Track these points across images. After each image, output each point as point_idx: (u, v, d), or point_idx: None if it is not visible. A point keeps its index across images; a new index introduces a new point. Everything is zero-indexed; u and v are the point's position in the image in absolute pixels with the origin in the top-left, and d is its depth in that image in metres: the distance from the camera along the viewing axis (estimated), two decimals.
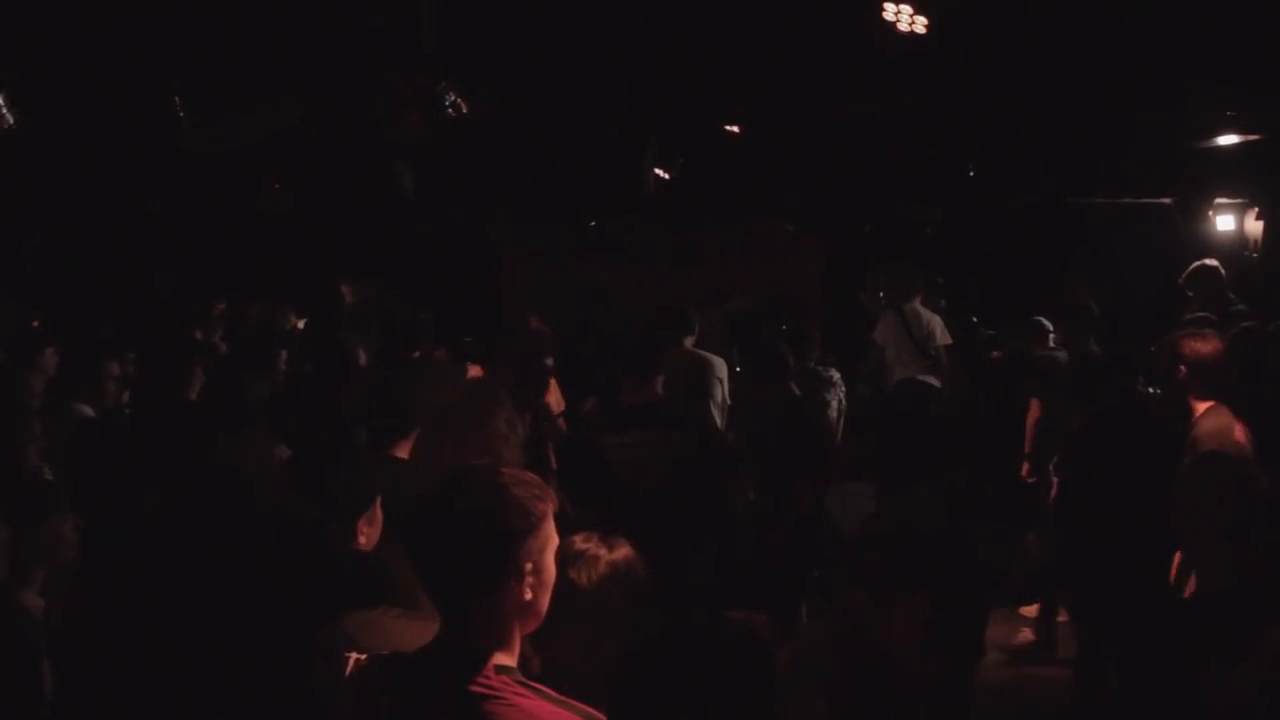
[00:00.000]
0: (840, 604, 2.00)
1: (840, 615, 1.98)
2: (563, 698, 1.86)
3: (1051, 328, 7.11)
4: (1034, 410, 6.39)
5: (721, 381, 6.01)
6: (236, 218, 10.60)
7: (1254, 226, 9.35)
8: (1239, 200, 9.42)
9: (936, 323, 7.99)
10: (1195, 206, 9.53)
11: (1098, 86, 8.40)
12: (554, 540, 1.94)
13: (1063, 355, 6.59)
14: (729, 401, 6.04)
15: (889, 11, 7.98)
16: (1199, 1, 7.41)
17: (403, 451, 3.36)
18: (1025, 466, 6.32)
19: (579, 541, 2.27)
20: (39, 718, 2.39)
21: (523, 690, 1.83)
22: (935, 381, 7.71)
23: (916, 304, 8.06)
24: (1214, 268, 6.79)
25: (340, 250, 10.30)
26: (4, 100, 7.58)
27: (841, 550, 2.06)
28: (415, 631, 2.03)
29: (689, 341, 6.18)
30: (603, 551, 2.27)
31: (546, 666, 2.09)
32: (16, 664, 2.42)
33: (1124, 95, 8.40)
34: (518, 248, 11.36)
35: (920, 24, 8.00)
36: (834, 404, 6.61)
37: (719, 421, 5.96)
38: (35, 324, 7.36)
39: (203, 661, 2.43)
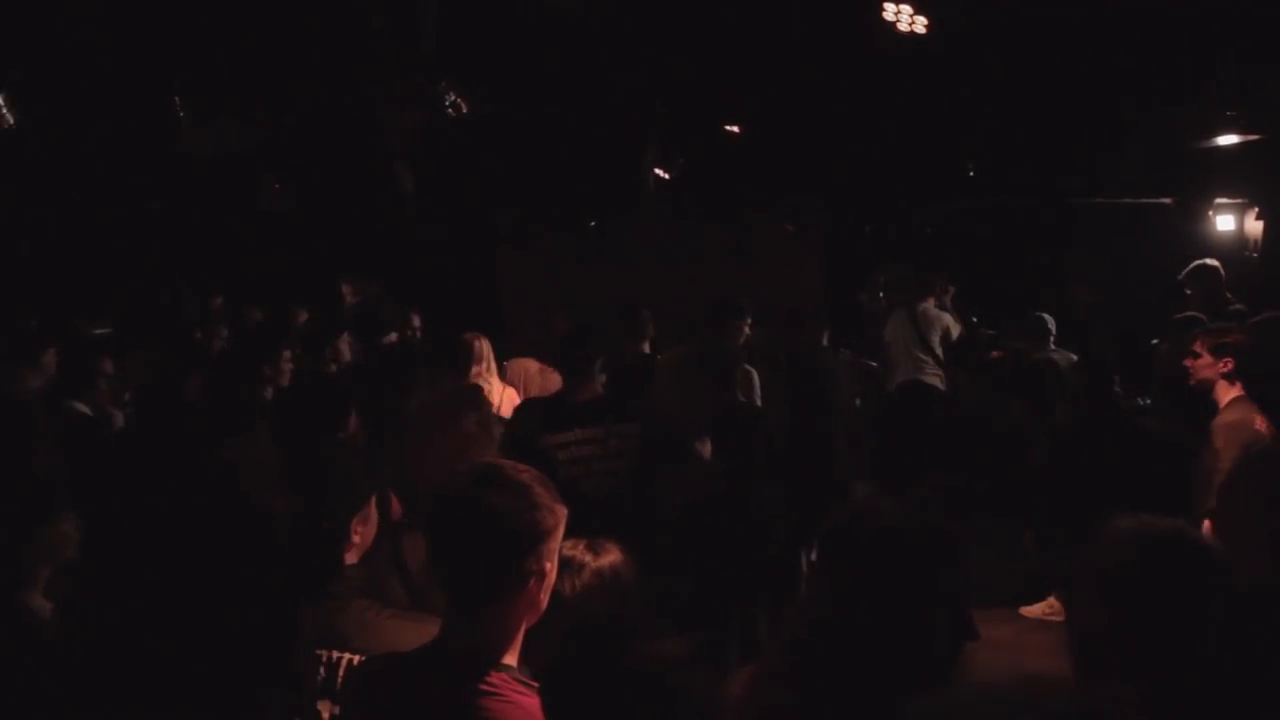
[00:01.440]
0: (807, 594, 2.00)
1: (805, 606, 1.97)
2: None
3: (1054, 327, 7.11)
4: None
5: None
6: (236, 218, 10.59)
7: (1254, 226, 9.35)
8: (1239, 200, 9.42)
9: (948, 322, 8.02)
10: (1195, 206, 9.53)
11: (1098, 86, 8.40)
12: (558, 550, 1.96)
13: (1061, 356, 6.59)
14: None
15: (889, 11, 7.99)
16: (1199, 2, 7.42)
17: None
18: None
19: (565, 548, 2.21)
20: (42, 716, 2.40)
21: (521, 688, 1.85)
22: (939, 383, 7.71)
23: (929, 305, 8.07)
24: (1214, 267, 6.79)
25: (340, 250, 10.30)
26: (4, 100, 7.58)
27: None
28: (412, 632, 2.03)
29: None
30: (588, 559, 2.24)
31: (529, 673, 2.10)
32: (20, 665, 2.42)
33: (1124, 95, 8.41)
34: (518, 248, 11.35)
35: (920, 24, 8.01)
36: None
37: None
38: (33, 323, 7.34)
39: (190, 659, 2.44)
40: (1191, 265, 6.90)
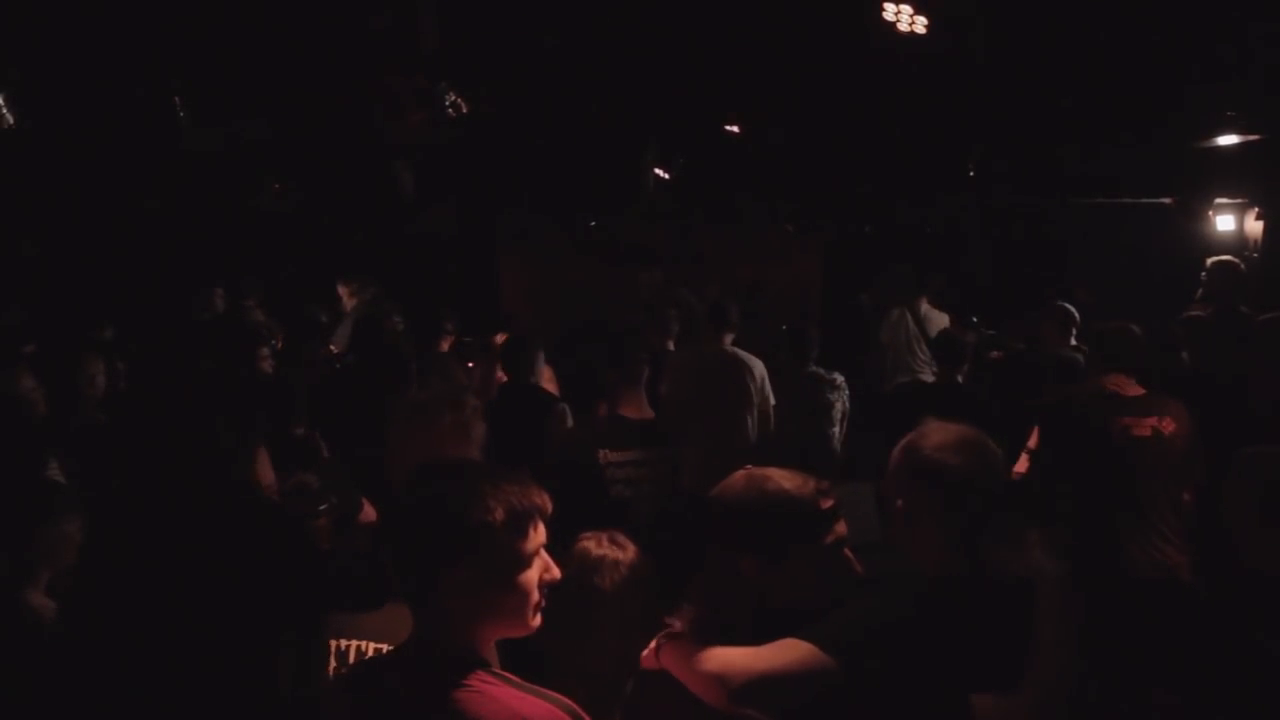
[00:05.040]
0: (721, 577, 2.19)
1: (725, 585, 2.18)
2: (532, 685, 1.85)
3: (1079, 320, 6.96)
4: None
5: (760, 382, 5.95)
6: (236, 218, 10.59)
7: (1254, 226, 9.34)
8: (1239, 200, 9.41)
9: (944, 321, 8.02)
10: (1195, 206, 9.52)
11: (1097, 87, 8.40)
12: (529, 541, 1.87)
13: (1075, 355, 6.49)
14: (772, 401, 6.01)
15: (889, 11, 7.99)
16: (1198, 1, 7.41)
17: None
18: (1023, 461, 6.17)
19: (593, 548, 2.27)
20: (44, 715, 2.40)
21: (490, 679, 1.83)
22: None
23: (925, 304, 8.07)
24: (1227, 265, 6.67)
25: (339, 250, 10.29)
26: (4, 100, 7.58)
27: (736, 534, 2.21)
28: (407, 618, 2.03)
29: (728, 340, 6.06)
30: (620, 555, 2.27)
31: (564, 669, 2.10)
32: (21, 663, 2.43)
33: (1123, 95, 8.40)
34: (518, 248, 11.35)
35: (920, 24, 8.01)
36: (837, 405, 6.58)
37: (754, 425, 5.94)
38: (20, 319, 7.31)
39: (185, 657, 2.44)
40: (1210, 260, 6.79)
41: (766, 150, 11.06)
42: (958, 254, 11.21)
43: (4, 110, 7.61)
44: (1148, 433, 4.12)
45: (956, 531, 2.26)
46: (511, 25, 8.82)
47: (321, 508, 2.79)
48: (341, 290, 8.61)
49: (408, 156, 10.42)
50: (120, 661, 2.44)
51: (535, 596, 1.88)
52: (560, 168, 10.61)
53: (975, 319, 9.11)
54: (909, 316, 8.04)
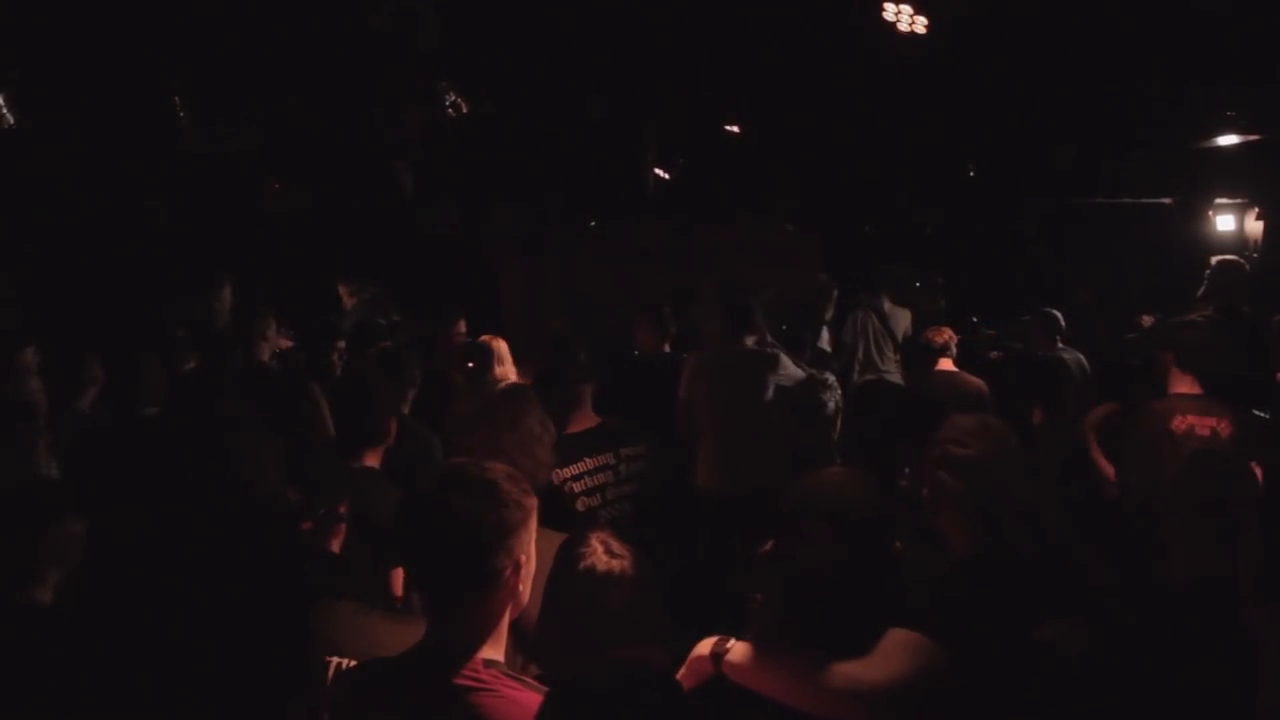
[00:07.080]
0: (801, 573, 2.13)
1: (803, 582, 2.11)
2: (544, 687, 1.86)
3: (1063, 324, 7.03)
4: (1037, 415, 6.35)
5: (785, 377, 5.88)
6: (236, 218, 10.58)
7: (1254, 226, 9.35)
8: (1239, 200, 9.43)
9: (907, 318, 8.04)
10: (1195, 206, 9.54)
11: (1098, 87, 8.41)
12: (534, 532, 1.96)
13: (1071, 355, 6.53)
14: (825, 401, 5.95)
15: (889, 11, 7.99)
16: (1199, 3, 7.42)
17: (373, 460, 3.36)
18: None
19: (599, 565, 2.19)
20: (47, 715, 2.40)
21: (511, 682, 1.85)
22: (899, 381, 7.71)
23: (888, 302, 8.08)
24: (1230, 265, 6.65)
25: (339, 251, 10.28)
26: (4, 100, 7.58)
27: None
28: (404, 634, 2.03)
29: (750, 340, 5.97)
30: (622, 566, 2.21)
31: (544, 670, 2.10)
32: (25, 662, 2.42)
33: (1124, 95, 8.41)
34: (517, 248, 11.35)
35: (920, 24, 8.01)
36: (830, 404, 6.58)
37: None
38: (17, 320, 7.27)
39: (192, 655, 2.44)
40: (1215, 259, 6.79)
41: (766, 150, 11.06)
42: (956, 254, 11.22)
43: (4, 110, 7.61)
44: (1207, 433, 4.06)
45: (978, 515, 2.31)
46: (512, 25, 8.82)
47: (305, 524, 2.79)
48: (342, 290, 8.61)
49: (408, 156, 10.41)
50: (120, 661, 2.44)
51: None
52: (560, 168, 10.61)
53: (975, 319, 9.12)
54: (873, 316, 8.04)
